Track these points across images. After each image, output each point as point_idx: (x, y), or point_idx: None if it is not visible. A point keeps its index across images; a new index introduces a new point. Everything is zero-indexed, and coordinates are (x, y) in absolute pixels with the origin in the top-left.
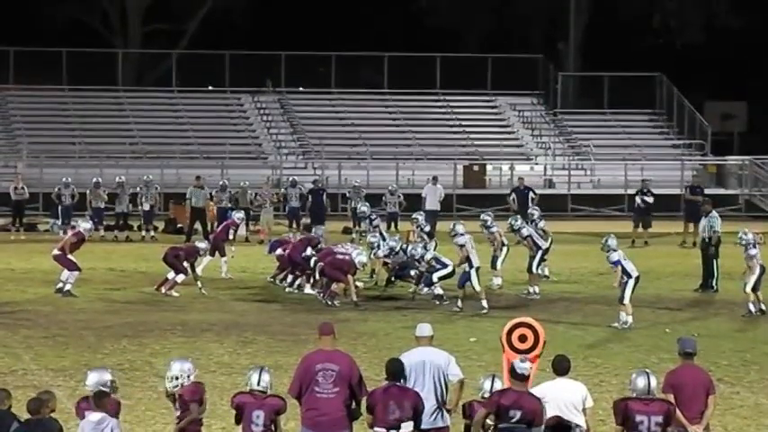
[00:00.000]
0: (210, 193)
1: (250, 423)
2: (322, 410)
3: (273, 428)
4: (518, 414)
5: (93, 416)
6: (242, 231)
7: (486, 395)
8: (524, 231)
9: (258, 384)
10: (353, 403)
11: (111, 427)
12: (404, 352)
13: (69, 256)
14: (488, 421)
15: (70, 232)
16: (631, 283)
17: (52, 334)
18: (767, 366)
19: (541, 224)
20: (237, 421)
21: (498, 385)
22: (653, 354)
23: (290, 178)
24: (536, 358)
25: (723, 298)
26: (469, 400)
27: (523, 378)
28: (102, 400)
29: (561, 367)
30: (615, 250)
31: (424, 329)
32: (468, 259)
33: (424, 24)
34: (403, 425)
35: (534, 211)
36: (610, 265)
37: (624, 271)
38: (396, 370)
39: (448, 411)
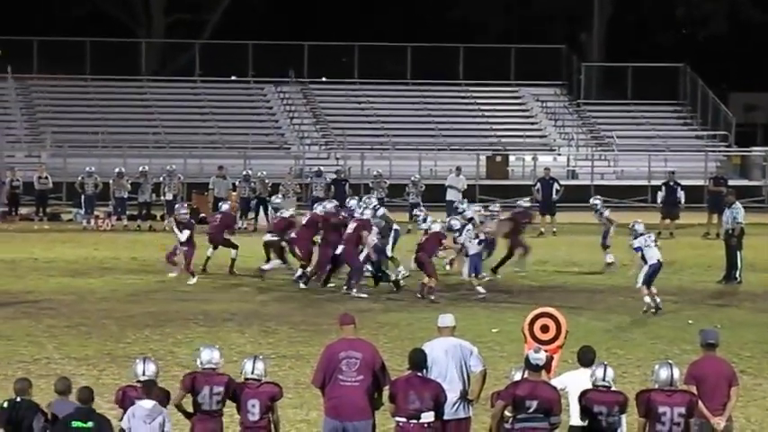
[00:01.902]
0: (234, 184)
1: (246, 413)
2: (346, 398)
3: (271, 415)
4: (534, 404)
5: (146, 402)
6: (263, 222)
7: None
8: (468, 214)
9: (252, 373)
10: (376, 392)
11: (163, 416)
12: (426, 342)
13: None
14: (507, 413)
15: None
16: (645, 269)
17: (75, 323)
18: None
19: (606, 213)
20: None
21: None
22: (675, 345)
23: (316, 168)
24: (558, 349)
25: (746, 289)
26: (497, 390)
27: (538, 368)
28: (153, 389)
29: (586, 358)
30: (641, 235)
31: (447, 320)
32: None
33: (447, 15)
34: (423, 415)
35: (597, 201)
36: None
37: (642, 257)
38: (418, 360)
39: (470, 402)
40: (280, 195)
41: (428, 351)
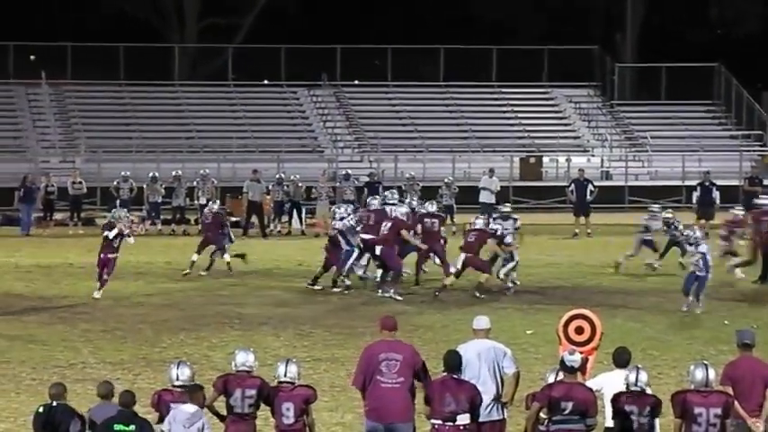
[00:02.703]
0: (267, 187)
1: (281, 416)
2: (386, 400)
3: (305, 418)
4: (570, 405)
5: (188, 407)
6: (297, 225)
7: None
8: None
9: (285, 376)
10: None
11: (203, 422)
12: (460, 344)
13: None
14: (542, 415)
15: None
16: (709, 277)
17: (110, 328)
18: None
19: (681, 226)
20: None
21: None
22: (711, 345)
23: (344, 172)
24: (593, 350)
25: None
26: (531, 392)
27: (573, 370)
28: (197, 393)
29: (621, 359)
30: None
31: (482, 322)
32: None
33: (479, 17)
34: (459, 417)
35: (668, 215)
36: (696, 256)
37: (705, 263)
38: (453, 362)
39: (504, 405)
40: (324, 198)
41: (462, 353)
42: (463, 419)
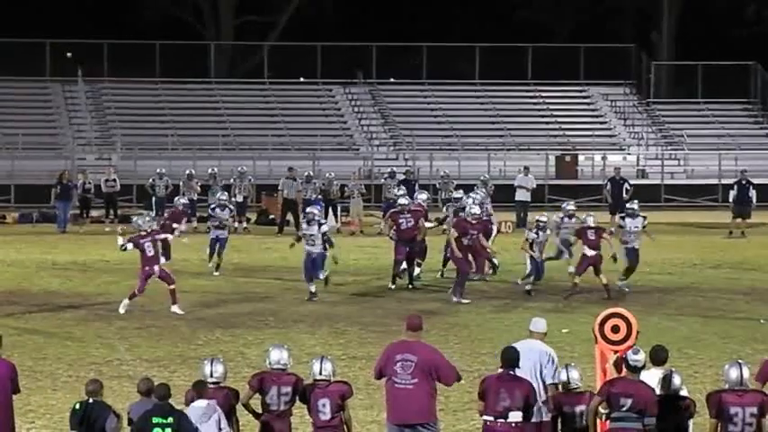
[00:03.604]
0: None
1: (317, 412)
2: (401, 401)
3: (342, 414)
4: (628, 402)
5: (200, 402)
6: (332, 223)
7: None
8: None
9: (320, 373)
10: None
11: (219, 414)
12: (511, 343)
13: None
14: (601, 410)
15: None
16: None
17: (146, 325)
18: None
19: None
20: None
21: (574, 374)
22: (747, 345)
23: (390, 169)
24: (629, 349)
25: None
26: (552, 394)
27: (636, 369)
28: (204, 389)
29: (659, 358)
30: None
31: (538, 325)
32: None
33: (515, 15)
34: (511, 414)
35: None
36: None
37: None
38: (510, 357)
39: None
40: (357, 196)
41: None
42: (515, 417)
